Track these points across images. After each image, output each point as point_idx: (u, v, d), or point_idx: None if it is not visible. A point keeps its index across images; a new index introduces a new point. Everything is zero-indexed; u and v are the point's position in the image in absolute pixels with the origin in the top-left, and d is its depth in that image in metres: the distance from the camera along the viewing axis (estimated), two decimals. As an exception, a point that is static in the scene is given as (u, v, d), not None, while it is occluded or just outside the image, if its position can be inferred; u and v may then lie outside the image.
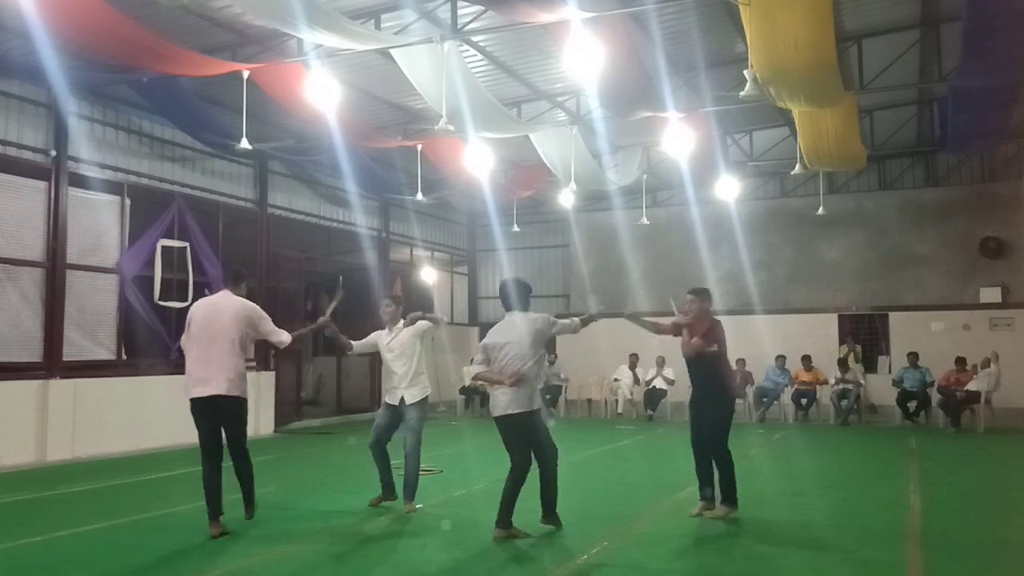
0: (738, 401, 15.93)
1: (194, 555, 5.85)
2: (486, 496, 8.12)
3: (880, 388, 16.26)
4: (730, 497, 7.01)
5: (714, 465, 7.03)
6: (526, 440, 6.25)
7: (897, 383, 14.96)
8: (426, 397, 7.39)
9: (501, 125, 12.06)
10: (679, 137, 12.41)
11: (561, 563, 5.58)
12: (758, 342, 16.85)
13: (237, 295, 6.54)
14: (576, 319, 6.72)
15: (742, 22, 8.75)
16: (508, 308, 6.59)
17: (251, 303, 6.53)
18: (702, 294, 7.26)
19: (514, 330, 6.38)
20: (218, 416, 6.33)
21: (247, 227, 14.43)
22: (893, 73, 12.40)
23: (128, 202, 12.14)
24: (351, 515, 7.20)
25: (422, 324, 7.40)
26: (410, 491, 7.29)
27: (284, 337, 6.53)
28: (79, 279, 11.39)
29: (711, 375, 7.02)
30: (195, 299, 12.55)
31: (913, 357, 15.04)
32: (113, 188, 11.96)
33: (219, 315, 6.36)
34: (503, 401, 6.22)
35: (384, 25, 10.22)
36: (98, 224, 11.73)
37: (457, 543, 6.22)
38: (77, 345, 11.29)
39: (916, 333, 16.70)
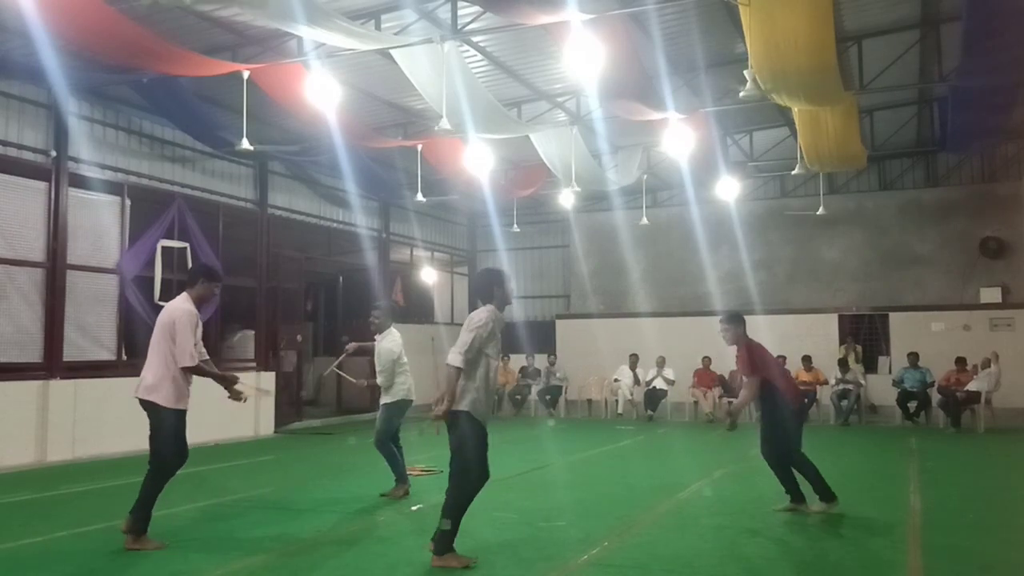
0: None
1: (194, 555, 5.85)
2: (485, 496, 8.10)
3: (880, 388, 16.26)
4: (823, 494, 7.04)
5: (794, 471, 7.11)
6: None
7: (897, 383, 14.96)
8: (400, 400, 7.94)
9: (501, 125, 12.06)
10: (679, 137, 12.41)
11: (561, 563, 5.57)
12: (759, 342, 16.83)
13: (192, 296, 6.30)
14: (455, 362, 5.46)
15: (742, 22, 8.75)
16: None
17: (184, 311, 6.12)
18: (733, 319, 7.27)
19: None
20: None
21: (247, 227, 14.43)
22: (893, 73, 12.40)
23: (128, 202, 12.14)
24: (351, 515, 7.20)
25: (396, 349, 7.94)
26: (397, 474, 7.98)
27: (183, 361, 6.00)
28: (79, 279, 11.39)
29: (763, 392, 7.14)
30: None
31: (913, 357, 15.04)
32: (113, 188, 11.95)
33: (160, 319, 6.24)
34: None
35: (384, 25, 10.23)
36: (98, 224, 11.72)
37: (457, 542, 6.21)
38: (77, 345, 11.28)
39: (916, 333, 16.70)
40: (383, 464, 8.05)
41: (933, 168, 17.70)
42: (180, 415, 6.10)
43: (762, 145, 17.05)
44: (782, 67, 9.12)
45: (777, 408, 7.06)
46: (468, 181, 14.83)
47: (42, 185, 11.01)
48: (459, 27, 9.91)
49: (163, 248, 12.37)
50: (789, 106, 11.39)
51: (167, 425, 6.04)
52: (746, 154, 17.21)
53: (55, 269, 10.99)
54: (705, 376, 16.42)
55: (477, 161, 13.09)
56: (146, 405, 6.09)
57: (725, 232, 18.37)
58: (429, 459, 10.33)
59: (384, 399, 7.97)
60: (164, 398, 6.03)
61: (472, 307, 20.92)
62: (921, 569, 5.41)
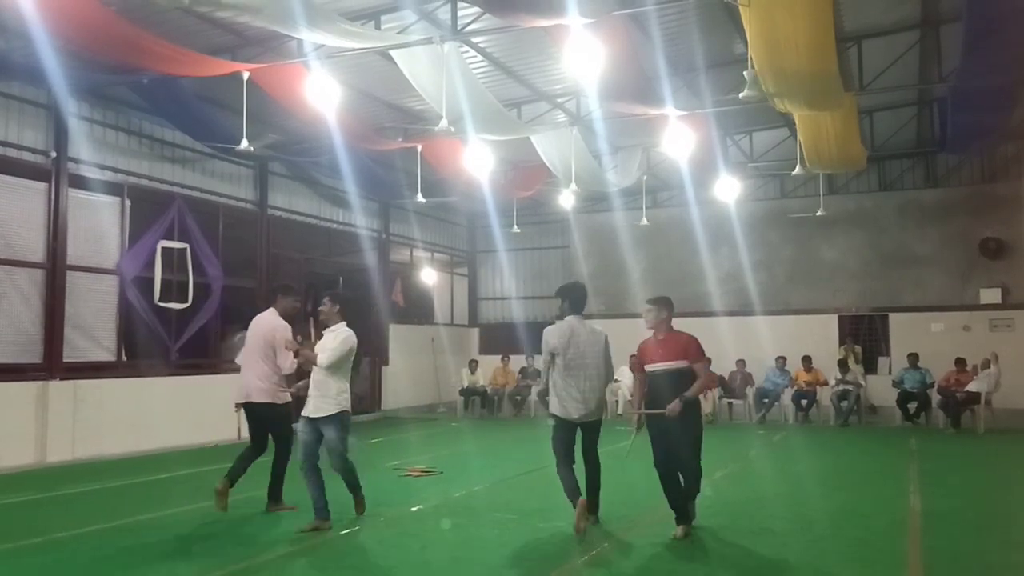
0: (738, 402, 16.17)
1: (195, 556, 5.85)
2: (486, 497, 8.13)
3: (880, 389, 16.25)
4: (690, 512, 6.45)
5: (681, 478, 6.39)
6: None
7: (897, 384, 14.95)
8: (342, 412, 6.60)
9: (502, 126, 12.06)
10: (679, 138, 12.40)
11: (562, 563, 5.58)
12: (758, 343, 16.86)
13: (278, 311, 7.29)
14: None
15: (742, 23, 8.75)
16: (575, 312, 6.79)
17: (279, 325, 7.16)
18: (660, 303, 6.61)
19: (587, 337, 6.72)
20: (253, 417, 7.26)
21: (247, 228, 14.42)
22: (893, 74, 12.41)
23: (128, 203, 12.13)
24: (350, 516, 7.19)
25: (350, 342, 6.65)
26: (356, 491, 6.99)
27: (287, 370, 7.14)
28: (79, 280, 11.38)
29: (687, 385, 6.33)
30: (195, 300, 12.68)
31: (913, 358, 15.03)
32: (113, 189, 11.94)
33: (254, 331, 7.27)
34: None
35: (384, 26, 10.22)
36: (98, 225, 11.71)
37: (457, 543, 6.22)
38: (77, 346, 11.27)
39: (916, 334, 16.70)
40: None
41: (933, 169, 17.70)
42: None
43: (762, 146, 17.06)
44: (782, 68, 9.12)
45: (696, 407, 6.44)
46: (468, 182, 14.83)
47: (42, 186, 11.00)
48: (459, 28, 9.91)
49: (163, 249, 12.36)
50: (790, 111, 11.38)
51: (283, 416, 7.23)
52: (746, 155, 17.22)
53: (55, 270, 10.99)
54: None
55: (477, 162, 13.09)
56: (261, 407, 7.14)
57: (725, 233, 18.37)
58: (430, 460, 10.34)
59: (320, 411, 6.57)
60: (277, 396, 7.15)
61: (472, 308, 20.71)
62: (921, 570, 5.41)
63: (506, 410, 17.67)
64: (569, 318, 6.68)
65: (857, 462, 10.77)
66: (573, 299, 6.80)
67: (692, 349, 6.39)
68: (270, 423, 7.23)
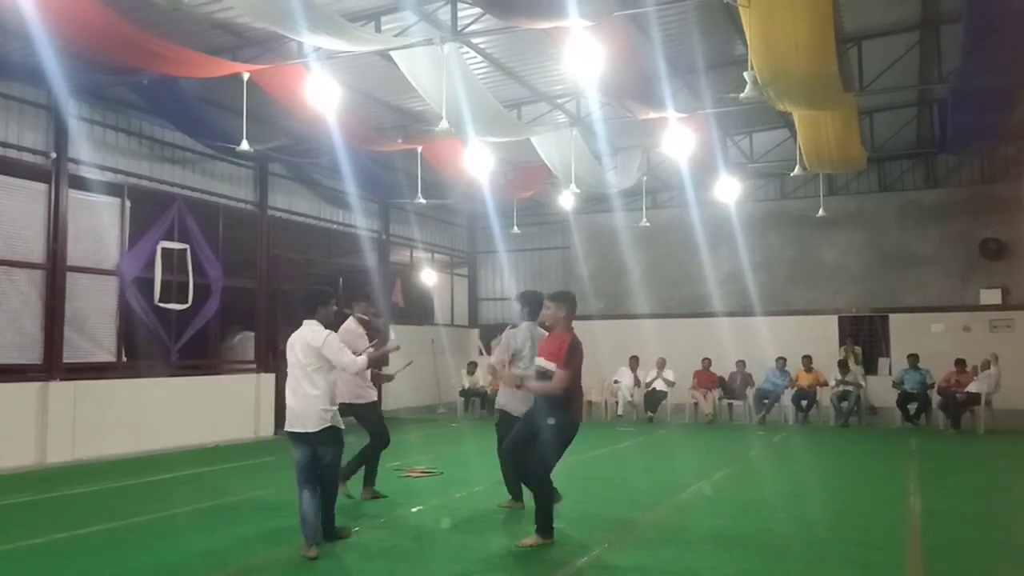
0: (738, 403, 16.16)
1: (196, 557, 5.85)
2: (486, 497, 8.12)
3: (880, 390, 16.26)
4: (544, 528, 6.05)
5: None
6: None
7: (897, 385, 14.95)
8: None
9: (502, 128, 12.06)
10: (679, 139, 12.41)
11: (562, 564, 5.57)
12: (758, 344, 16.87)
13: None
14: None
15: (742, 24, 8.75)
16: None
17: (351, 327, 8.05)
18: (558, 300, 6.29)
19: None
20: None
21: (247, 229, 14.42)
22: (893, 75, 12.40)
23: (128, 204, 12.13)
24: (350, 517, 7.19)
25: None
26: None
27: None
28: (79, 281, 11.38)
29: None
30: (195, 301, 12.67)
31: (913, 359, 15.03)
32: (113, 190, 11.95)
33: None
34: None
35: (384, 27, 10.23)
36: (98, 226, 11.71)
37: (458, 544, 6.22)
38: (77, 347, 11.27)
39: (916, 335, 16.71)
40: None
41: (933, 169, 17.71)
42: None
43: (762, 146, 17.06)
44: (782, 68, 9.12)
45: (555, 411, 6.08)
46: (468, 183, 14.83)
47: (42, 187, 11.00)
48: (459, 29, 9.92)
49: (163, 249, 12.36)
50: (789, 111, 11.39)
51: (364, 414, 7.95)
52: (746, 155, 17.22)
53: (55, 270, 10.98)
54: (705, 377, 16.42)
55: (477, 163, 13.09)
56: (343, 407, 7.13)
57: (725, 234, 18.38)
58: (430, 460, 10.34)
59: None
60: (357, 396, 7.77)
61: (472, 309, 20.66)
62: (921, 570, 5.41)
63: (506, 411, 17.64)
64: (526, 323, 7.09)
65: (857, 463, 10.78)
66: (532, 307, 7.06)
67: (562, 354, 6.04)
68: (358, 420, 7.75)
